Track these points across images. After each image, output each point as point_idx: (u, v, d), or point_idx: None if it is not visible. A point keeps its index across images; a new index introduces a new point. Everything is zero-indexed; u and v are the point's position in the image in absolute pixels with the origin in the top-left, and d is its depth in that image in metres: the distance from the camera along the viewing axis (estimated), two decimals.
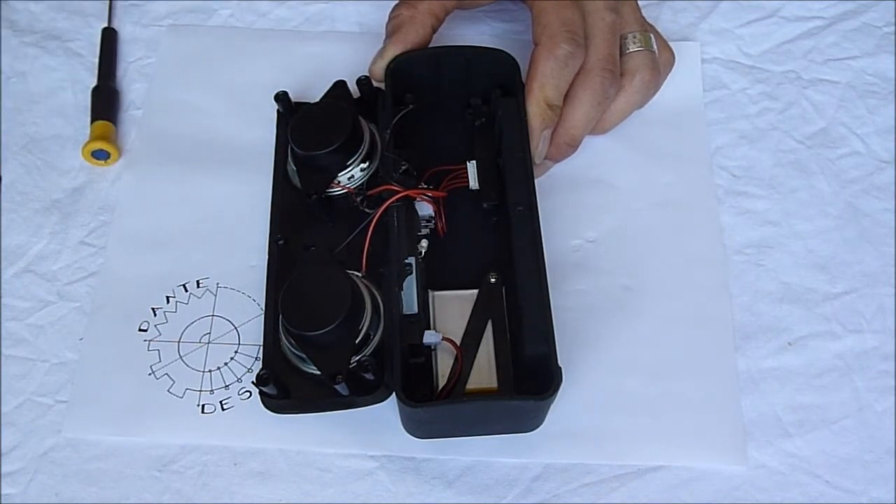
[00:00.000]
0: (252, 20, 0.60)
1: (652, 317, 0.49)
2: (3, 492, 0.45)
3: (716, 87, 0.57)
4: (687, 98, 0.56)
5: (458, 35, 0.57)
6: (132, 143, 0.55)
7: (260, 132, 0.54)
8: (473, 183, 0.50)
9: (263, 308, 0.48)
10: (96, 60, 0.57)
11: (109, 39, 0.58)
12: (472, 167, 0.50)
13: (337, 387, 0.43)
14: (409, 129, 0.51)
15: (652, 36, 0.52)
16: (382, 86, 0.51)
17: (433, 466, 0.46)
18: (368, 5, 0.59)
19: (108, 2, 0.60)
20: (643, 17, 0.53)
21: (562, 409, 0.45)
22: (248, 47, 0.59)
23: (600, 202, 0.53)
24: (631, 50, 0.51)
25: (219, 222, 0.52)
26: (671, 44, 0.54)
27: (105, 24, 0.59)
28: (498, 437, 0.45)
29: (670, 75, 0.55)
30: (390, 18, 0.52)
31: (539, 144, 0.49)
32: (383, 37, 0.52)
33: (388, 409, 0.45)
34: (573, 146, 0.51)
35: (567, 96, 0.50)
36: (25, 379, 0.48)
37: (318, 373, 0.44)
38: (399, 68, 0.50)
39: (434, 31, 0.52)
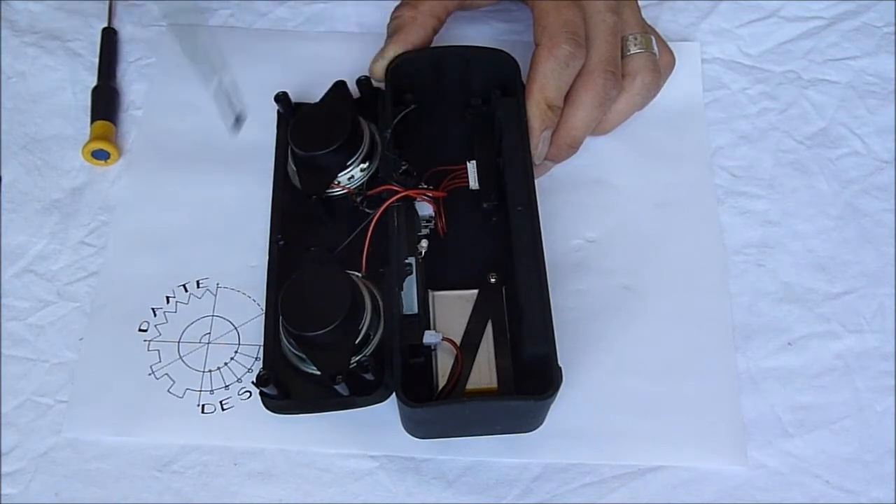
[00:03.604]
0: (252, 20, 0.60)
1: (652, 317, 0.49)
2: (3, 492, 0.45)
3: (716, 87, 0.57)
4: (687, 98, 0.56)
5: (458, 35, 0.57)
6: (132, 143, 0.55)
7: (260, 132, 0.54)
8: (473, 183, 0.50)
9: (263, 308, 0.48)
10: (96, 60, 0.57)
11: (109, 39, 0.58)
12: (472, 167, 0.50)
13: (337, 387, 0.43)
14: (409, 129, 0.51)
15: (653, 38, 0.52)
16: (382, 86, 0.51)
17: (433, 466, 0.46)
18: (368, 5, 0.59)
19: (108, 2, 0.60)
20: (643, 19, 0.53)
21: (562, 409, 0.45)
22: (248, 47, 0.59)
23: (600, 202, 0.53)
24: (632, 52, 0.51)
25: (219, 222, 0.52)
26: (671, 44, 0.54)
27: (105, 24, 0.59)
28: (498, 437, 0.45)
29: (670, 75, 0.55)
30: (392, 19, 0.52)
31: (539, 145, 0.49)
32: (384, 37, 0.52)
33: (388, 409, 0.45)
34: (574, 147, 0.51)
35: (568, 97, 0.50)
36: (25, 379, 0.48)
37: (318, 373, 0.44)
38: (399, 68, 0.50)
39: (435, 31, 0.52)
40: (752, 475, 0.46)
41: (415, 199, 0.48)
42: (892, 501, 0.45)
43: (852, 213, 0.53)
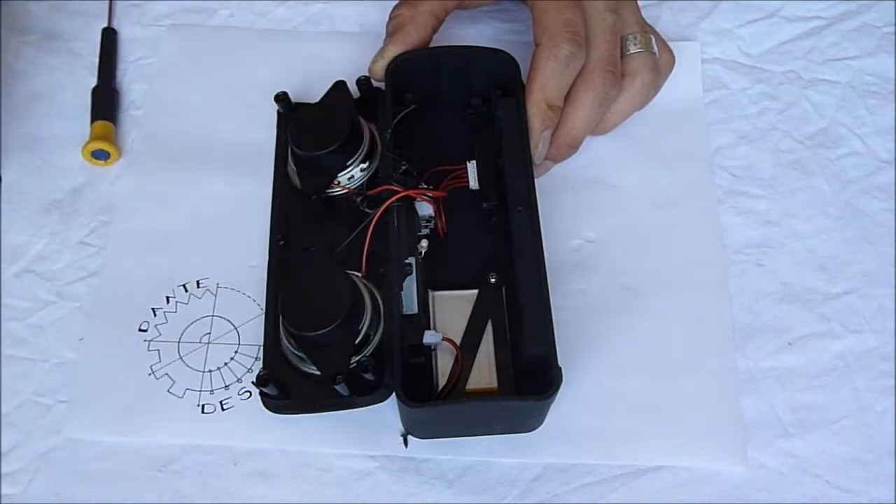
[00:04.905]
0: (252, 20, 0.60)
1: (652, 317, 0.49)
2: (3, 492, 0.45)
3: (716, 87, 0.57)
4: (687, 98, 0.56)
5: (458, 35, 0.57)
6: (132, 143, 0.55)
7: (259, 132, 0.54)
8: (473, 183, 0.50)
9: (263, 308, 0.48)
10: (96, 60, 0.57)
11: (109, 39, 0.58)
12: (472, 167, 0.50)
13: (337, 387, 0.43)
14: (409, 129, 0.51)
15: (652, 37, 0.52)
16: (382, 86, 0.51)
17: (433, 466, 0.46)
18: (368, 5, 0.59)
19: (108, 2, 0.60)
20: (643, 19, 0.53)
21: (562, 409, 0.45)
22: (248, 47, 0.59)
23: (600, 202, 0.53)
24: (632, 51, 0.51)
25: (219, 222, 0.52)
26: (671, 44, 0.55)
27: (105, 24, 0.59)
28: (498, 437, 0.45)
29: (670, 75, 0.55)
30: (391, 18, 0.52)
31: (539, 145, 0.49)
32: (383, 37, 0.52)
33: (388, 409, 0.45)
34: (574, 147, 0.51)
35: (568, 97, 0.50)
36: (25, 379, 0.48)
37: (318, 373, 0.44)
38: (399, 68, 0.50)
39: (434, 31, 0.52)
40: (752, 475, 0.46)
41: (415, 199, 0.48)
42: (892, 501, 0.45)
43: (852, 213, 0.53)
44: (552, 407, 0.43)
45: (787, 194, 0.54)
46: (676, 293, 0.50)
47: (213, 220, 0.52)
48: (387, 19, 0.52)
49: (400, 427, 0.46)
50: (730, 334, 0.49)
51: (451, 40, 0.56)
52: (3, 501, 0.45)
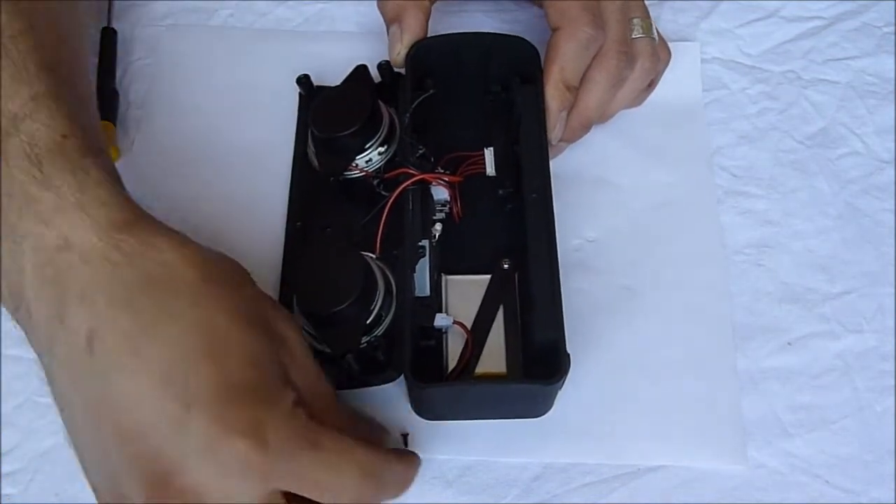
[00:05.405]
0: (252, 20, 0.60)
1: (652, 317, 0.49)
2: (3, 492, 0.45)
3: (716, 87, 0.57)
4: (687, 98, 0.56)
5: None
6: (132, 143, 0.55)
7: (260, 132, 0.54)
8: (490, 170, 0.50)
9: (278, 289, 0.48)
10: (96, 60, 0.57)
11: (109, 39, 0.58)
12: (489, 154, 0.50)
13: (347, 366, 0.43)
14: (427, 115, 0.51)
15: (653, 23, 0.52)
16: (403, 71, 0.51)
17: (433, 466, 0.46)
18: (368, 5, 0.59)
19: (107, 2, 0.60)
20: (646, 6, 0.53)
21: (562, 408, 0.45)
22: (248, 47, 0.59)
23: (600, 202, 0.53)
24: (633, 35, 0.51)
25: (218, 222, 0.52)
26: (671, 44, 0.55)
27: (105, 24, 0.59)
28: (498, 437, 0.45)
29: (670, 74, 0.55)
30: (383, 2, 0.52)
31: (556, 126, 0.49)
32: (383, 35, 0.52)
33: (388, 409, 0.45)
34: (587, 127, 0.51)
35: (582, 78, 0.50)
36: (25, 379, 0.48)
37: (330, 351, 0.44)
38: (419, 53, 0.50)
39: (431, 3, 0.51)
40: (752, 475, 0.46)
41: (431, 183, 0.48)
42: (892, 501, 0.45)
43: (852, 213, 0.53)
44: (552, 406, 0.43)
45: (787, 194, 0.54)
46: (676, 293, 0.50)
47: (212, 219, 0.52)
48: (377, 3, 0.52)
49: (400, 426, 0.46)
50: (730, 334, 0.49)
51: None
52: (3, 501, 0.45)
